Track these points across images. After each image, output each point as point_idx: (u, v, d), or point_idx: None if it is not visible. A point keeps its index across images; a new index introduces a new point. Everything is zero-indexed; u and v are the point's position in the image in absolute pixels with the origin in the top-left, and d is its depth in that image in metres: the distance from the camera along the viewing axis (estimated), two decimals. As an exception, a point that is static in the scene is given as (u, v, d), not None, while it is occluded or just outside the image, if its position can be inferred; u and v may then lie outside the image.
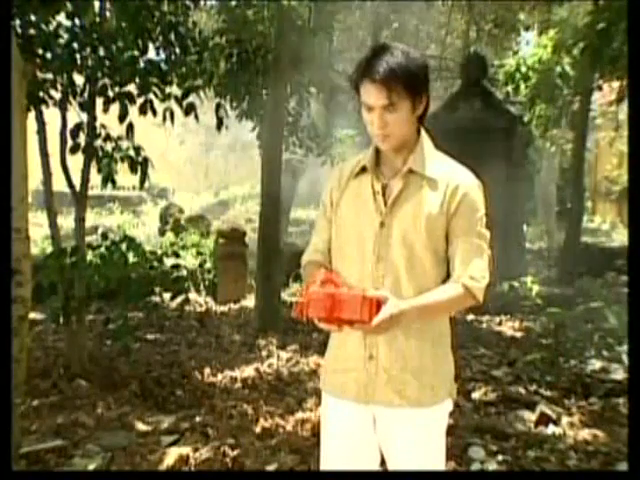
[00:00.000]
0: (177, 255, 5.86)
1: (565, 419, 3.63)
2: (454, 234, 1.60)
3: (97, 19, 4.19)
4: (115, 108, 4.11)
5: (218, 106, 4.72)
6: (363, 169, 1.68)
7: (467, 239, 1.60)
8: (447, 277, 1.64)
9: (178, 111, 4.35)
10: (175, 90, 4.35)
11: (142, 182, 4.32)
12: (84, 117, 4.21)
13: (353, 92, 1.62)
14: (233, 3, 7.15)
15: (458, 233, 1.60)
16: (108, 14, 4.36)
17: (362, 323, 1.44)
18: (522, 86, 8.36)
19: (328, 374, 1.76)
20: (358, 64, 1.60)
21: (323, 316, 1.46)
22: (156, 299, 5.26)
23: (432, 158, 1.65)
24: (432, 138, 1.70)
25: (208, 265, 8.42)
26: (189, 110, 4.36)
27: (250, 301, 7.26)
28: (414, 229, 1.59)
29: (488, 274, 1.62)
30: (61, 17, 3.96)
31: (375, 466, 1.75)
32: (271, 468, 2.91)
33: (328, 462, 1.76)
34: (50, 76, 3.93)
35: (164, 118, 4.26)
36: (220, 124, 4.68)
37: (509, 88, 8.52)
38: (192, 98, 4.41)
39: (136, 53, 4.07)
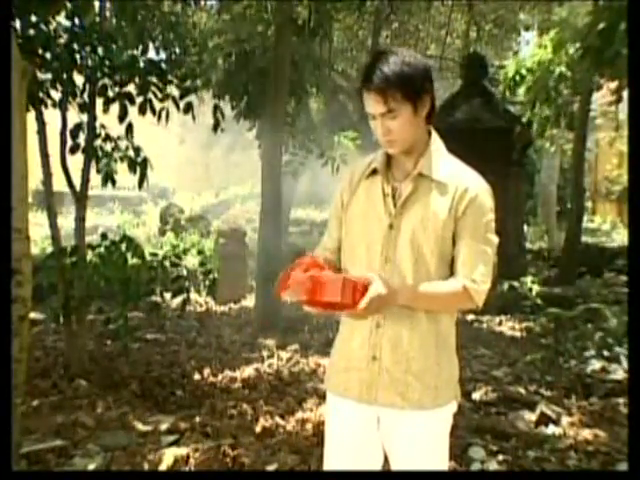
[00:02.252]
0: (179, 258, 5.86)
1: (565, 419, 3.63)
2: (459, 236, 1.60)
3: (97, 19, 4.20)
4: (115, 108, 4.12)
5: (215, 108, 4.72)
6: (374, 171, 1.68)
7: (471, 242, 1.59)
8: None
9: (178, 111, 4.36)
10: (174, 90, 4.36)
11: (141, 183, 4.33)
12: (84, 117, 4.22)
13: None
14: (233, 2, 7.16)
15: (463, 235, 1.60)
16: (108, 14, 4.37)
17: (346, 307, 1.45)
18: (522, 87, 8.35)
19: (332, 373, 1.76)
20: (361, 72, 1.60)
21: (304, 299, 1.46)
22: (156, 299, 5.25)
23: (442, 161, 1.65)
24: (445, 140, 1.70)
25: (208, 265, 8.43)
26: (187, 109, 4.37)
27: (250, 301, 7.27)
28: (422, 232, 1.59)
29: (490, 280, 1.61)
30: (61, 17, 3.97)
31: (378, 466, 1.75)
32: (271, 468, 2.90)
33: (331, 461, 1.76)
34: (50, 76, 3.94)
35: (159, 117, 4.26)
36: (217, 125, 4.69)
37: (508, 89, 8.51)
38: (192, 98, 4.41)
39: (136, 53, 4.07)
